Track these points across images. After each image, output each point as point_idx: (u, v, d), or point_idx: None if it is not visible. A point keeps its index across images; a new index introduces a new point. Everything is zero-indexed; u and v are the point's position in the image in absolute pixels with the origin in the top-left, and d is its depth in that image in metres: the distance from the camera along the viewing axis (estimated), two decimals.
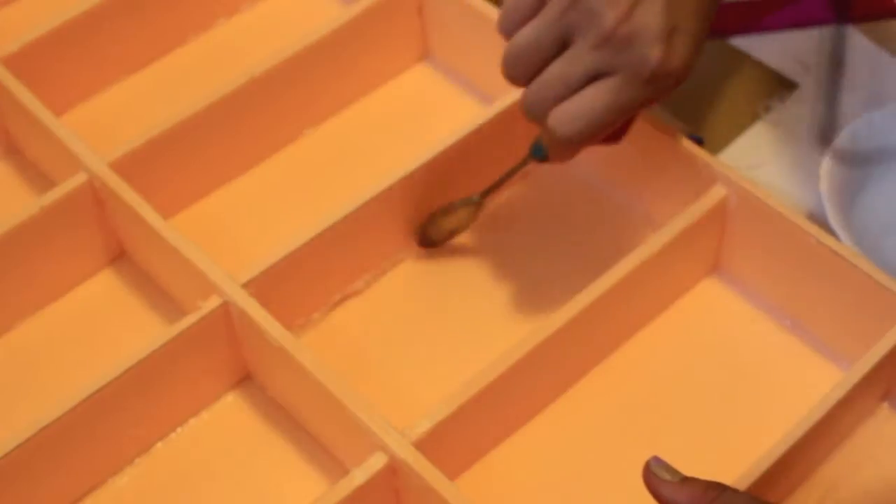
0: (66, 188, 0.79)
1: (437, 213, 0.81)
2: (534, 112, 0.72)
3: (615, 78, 0.69)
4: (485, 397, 0.69)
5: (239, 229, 0.85)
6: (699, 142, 0.85)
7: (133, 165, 0.80)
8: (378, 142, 0.89)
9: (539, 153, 0.75)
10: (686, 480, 0.58)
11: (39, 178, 0.88)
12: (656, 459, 0.60)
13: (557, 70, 0.70)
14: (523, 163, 0.77)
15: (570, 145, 0.71)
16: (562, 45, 0.70)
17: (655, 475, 0.59)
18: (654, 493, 0.59)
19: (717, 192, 0.75)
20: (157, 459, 0.75)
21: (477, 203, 0.80)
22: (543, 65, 0.70)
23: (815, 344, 0.76)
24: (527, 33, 0.71)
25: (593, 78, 0.69)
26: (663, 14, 0.67)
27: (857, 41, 0.94)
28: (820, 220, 0.79)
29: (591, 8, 0.68)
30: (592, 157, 0.81)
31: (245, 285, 0.73)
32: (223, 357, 0.76)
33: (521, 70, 0.72)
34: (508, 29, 0.72)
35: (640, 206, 0.83)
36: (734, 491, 0.57)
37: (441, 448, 0.67)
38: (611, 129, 0.71)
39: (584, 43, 0.69)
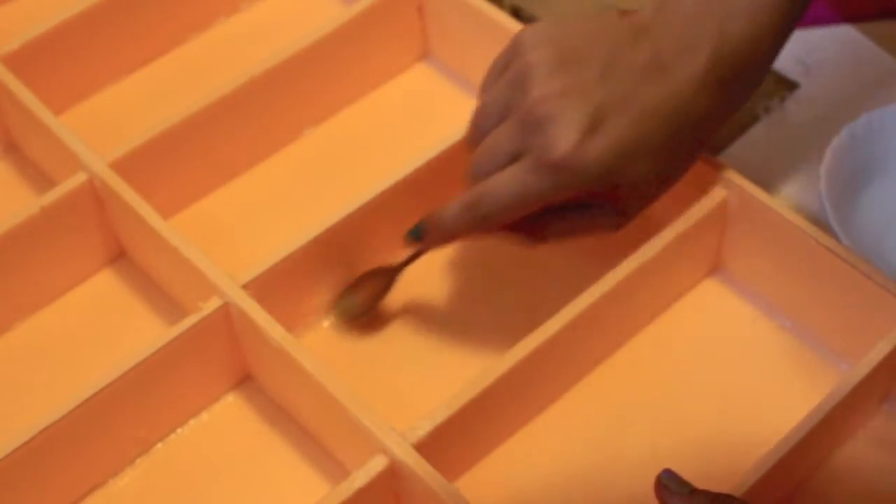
0: (65, 188, 0.79)
1: (348, 288, 0.79)
2: (470, 180, 0.71)
3: (524, 161, 0.67)
4: (485, 399, 0.69)
5: (239, 230, 0.85)
6: None
7: (133, 165, 0.80)
8: (378, 142, 0.89)
9: (415, 235, 0.74)
10: (695, 492, 0.58)
11: (39, 178, 0.88)
12: (667, 472, 0.60)
13: (489, 141, 0.69)
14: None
15: (481, 223, 0.70)
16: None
17: (666, 487, 0.59)
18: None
19: (717, 194, 0.75)
20: (157, 460, 0.75)
21: (392, 277, 0.78)
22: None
23: (815, 345, 0.76)
24: (487, 97, 0.70)
25: (515, 157, 0.68)
26: (597, 109, 0.66)
27: (857, 41, 0.94)
28: (820, 221, 0.79)
29: (528, 84, 0.67)
30: None
31: (245, 286, 0.73)
32: (223, 358, 0.76)
33: (474, 136, 0.72)
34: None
35: None
36: (742, 502, 0.57)
37: (441, 450, 0.67)
38: (516, 214, 0.69)
39: (511, 118, 0.68)
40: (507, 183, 0.68)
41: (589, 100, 0.66)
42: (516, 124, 0.68)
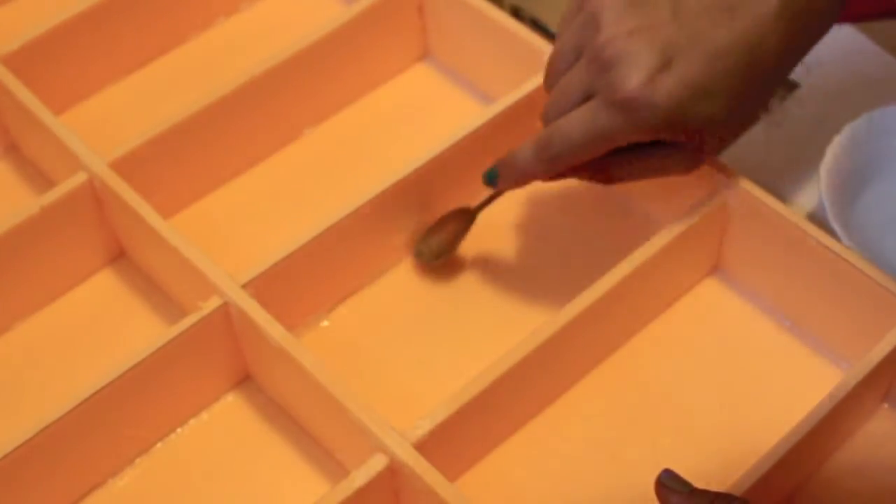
0: (65, 188, 0.79)
1: (430, 230, 0.81)
2: (544, 122, 0.72)
3: (595, 100, 0.68)
4: (485, 398, 0.69)
5: (239, 229, 0.85)
6: None
7: (133, 165, 0.80)
8: (378, 142, 0.88)
9: (491, 177, 0.75)
10: (695, 492, 0.58)
11: (39, 178, 0.88)
12: (667, 472, 0.60)
13: (563, 82, 0.70)
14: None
15: (551, 163, 0.71)
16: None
17: (666, 487, 0.59)
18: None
19: (718, 193, 0.75)
20: (156, 460, 0.75)
21: (470, 216, 0.80)
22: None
23: (816, 344, 0.76)
24: (561, 40, 0.71)
25: (587, 98, 0.69)
26: (666, 48, 0.66)
27: (857, 41, 0.94)
28: (820, 221, 0.79)
29: (598, 24, 0.68)
30: None
31: (245, 286, 0.73)
32: (223, 358, 0.76)
33: (549, 79, 0.73)
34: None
35: (641, 207, 0.83)
36: (743, 501, 0.57)
37: (441, 449, 0.67)
38: (587, 155, 0.70)
39: (583, 59, 0.69)
40: (578, 122, 0.68)
41: (659, 39, 0.66)
42: (588, 65, 0.68)
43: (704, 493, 0.58)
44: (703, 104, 0.67)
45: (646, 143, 0.70)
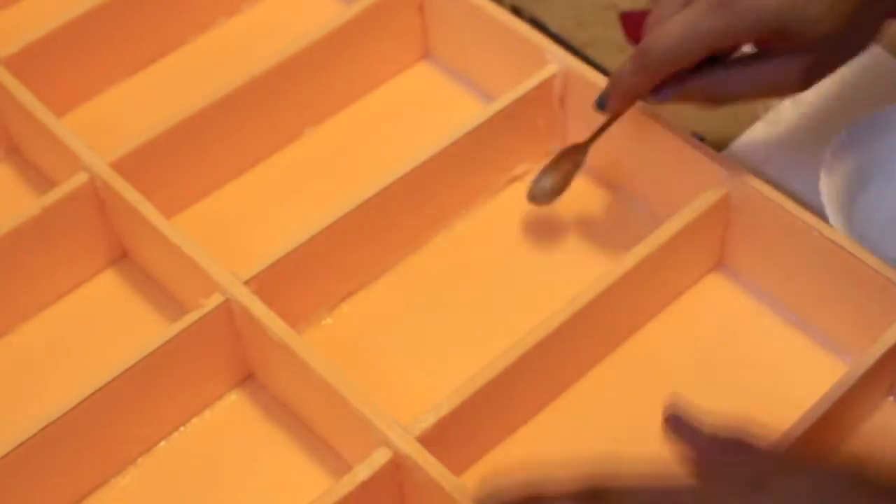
0: (67, 188, 0.79)
1: (543, 171, 0.80)
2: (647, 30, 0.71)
3: (695, 3, 0.67)
4: (489, 392, 0.69)
5: (240, 228, 0.84)
6: (700, 140, 0.85)
7: (134, 165, 0.80)
8: (379, 140, 0.88)
9: (601, 102, 0.75)
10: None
11: (40, 179, 0.88)
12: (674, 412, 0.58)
13: None
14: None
15: (650, 71, 0.70)
16: None
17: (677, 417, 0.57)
18: (676, 431, 0.57)
19: (720, 188, 0.75)
20: (159, 459, 0.75)
21: (581, 151, 0.79)
22: None
23: (820, 338, 0.76)
24: None
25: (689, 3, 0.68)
26: None
27: None
28: (820, 219, 0.79)
29: None
30: (597, 153, 0.80)
31: (247, 283, 0.73)
32: (225, 355, 0.76)
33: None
34: None
35: (644, 202, 0.83)
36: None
37: (445, 443, 0.67)
38: (686, 59, 0.68)
39: None
40: (676, 25, 0.67)
41: None
42: None
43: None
44: (814, 6, 0.65)
45: (755, 56, 0.68)
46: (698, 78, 0.71)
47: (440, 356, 0.77)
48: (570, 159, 0.79)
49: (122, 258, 0.84)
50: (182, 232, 0.76)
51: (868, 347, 0.69)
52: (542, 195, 0.80)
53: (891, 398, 0.74)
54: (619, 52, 0.91)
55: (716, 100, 0.72)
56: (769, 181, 0.84)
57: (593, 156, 0.80)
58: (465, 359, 0.74)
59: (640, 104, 0.77)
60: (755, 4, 0.65)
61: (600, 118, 0.77)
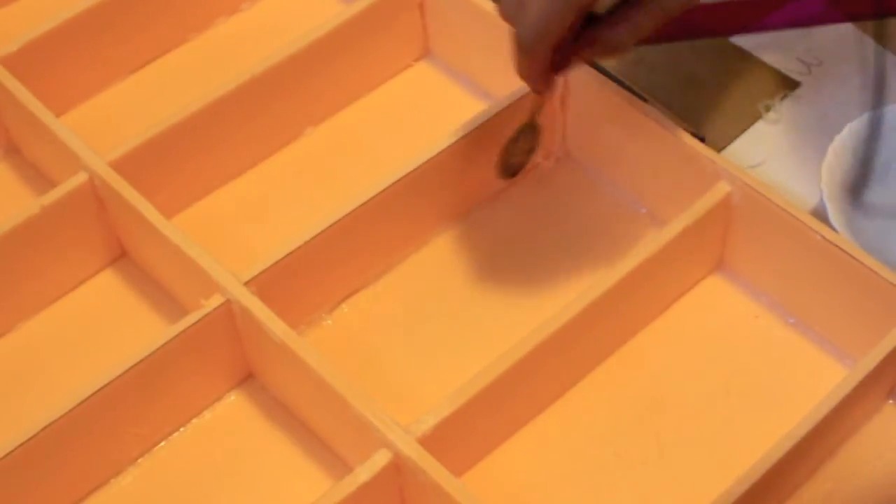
0: (66, 188, 0.79)
1: (506, 145, 0.80)
2: (509, 23, 0.69)
3: None
4: (490, 394, 0.69)
5: (241, 228, 0.84)
6: (700, 141, 0.85)
7: (134, 165, 0.80)
8: (379, 140, 0.88)
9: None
10: None
11: (39, 178, 0.88)
12: None
13: None
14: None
15: (530, 52, 0.68)
16: None
17: None
18: None
19: (720, 189, 0.75)
20: (159, 459, 0.75)
21: (534, 127, 0.79)
22: None
23: (820, 341, 0.76)
24: None
25: None
26: None
27: (859, 40, 0.94)
28: (821, 220, 0.79)
29: None
30: (596, 155, 0.80)
31: (247, 283, 0.73)
32: (225, 356, 0.76)
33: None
34: None
35: (644, 204, 0.83)
36: None
37: (446, 445, 0.67)
38: (560, 26, 0.66)
39: None
40: (532, 2, 0.66)
41: None
42: None
43: None
44: None
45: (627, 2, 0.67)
46: (586, 41, 0.69)
47: (441, 357, 0.77)
48: (526, 136, 0.79)
49: (121, 258, 0.84)
50: (182, 232, 0.76)
51: (869, 350, 0.69)
52: (510, 174, 0.80)
53: (891, 401, 0.74)
54: None
55: (613, 51, 0.70)
56: (769, 181, 0.84)
57: (593, 156, 0.80)
58: (466, 360, 0.74)
59: (640, 104, 0.77)
60: None
61: (600, 118, 0.77)
